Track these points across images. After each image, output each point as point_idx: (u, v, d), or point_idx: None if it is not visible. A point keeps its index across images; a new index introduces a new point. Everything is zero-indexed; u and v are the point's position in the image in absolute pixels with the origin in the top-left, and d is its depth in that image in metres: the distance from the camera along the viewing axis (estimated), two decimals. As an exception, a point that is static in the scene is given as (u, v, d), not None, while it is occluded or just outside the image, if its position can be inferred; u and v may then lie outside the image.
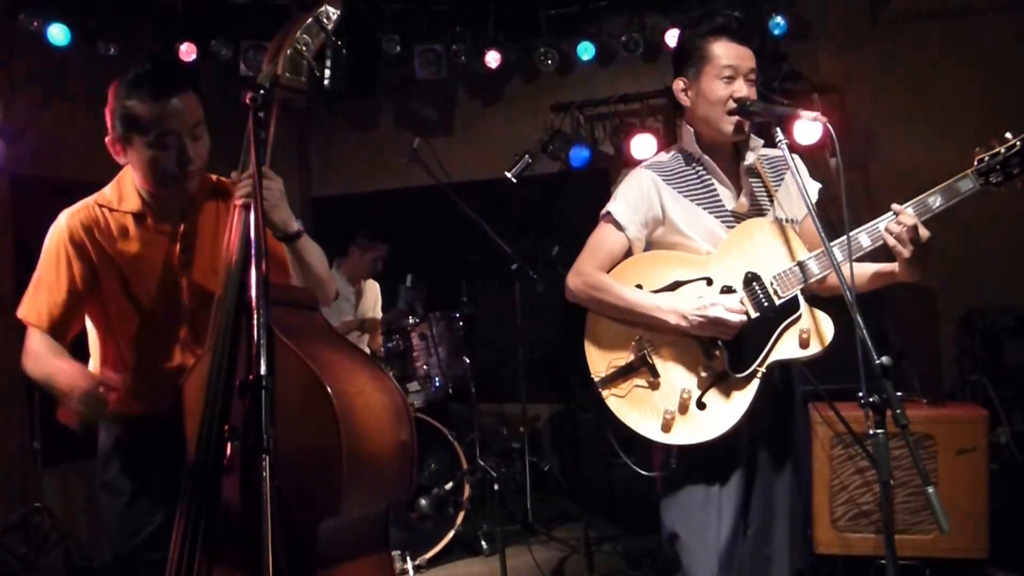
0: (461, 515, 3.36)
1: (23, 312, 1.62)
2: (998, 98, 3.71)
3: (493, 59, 4.20)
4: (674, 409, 1.65)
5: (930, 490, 1.26)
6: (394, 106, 4.81)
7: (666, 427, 1.65)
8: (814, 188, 1.76)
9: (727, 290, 1.66)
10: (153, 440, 1.51)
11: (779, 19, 3.81)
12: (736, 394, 1.63)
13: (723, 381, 1.64)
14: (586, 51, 4.16)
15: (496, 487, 3.37)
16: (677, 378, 1.67)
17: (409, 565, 3.05)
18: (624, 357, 1.71)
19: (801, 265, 1.63)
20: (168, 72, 1.55)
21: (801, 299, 1.63)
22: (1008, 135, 1.58)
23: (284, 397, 1.20)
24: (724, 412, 1.63)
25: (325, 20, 1.42)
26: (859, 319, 1.36)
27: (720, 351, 1.65)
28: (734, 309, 1.61)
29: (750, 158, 1.73)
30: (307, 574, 1.32)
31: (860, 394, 1.31)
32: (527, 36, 4.26)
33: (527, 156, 4.00)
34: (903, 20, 3.91)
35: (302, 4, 1.50)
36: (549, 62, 4.21)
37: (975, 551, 2.72)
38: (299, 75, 1.41)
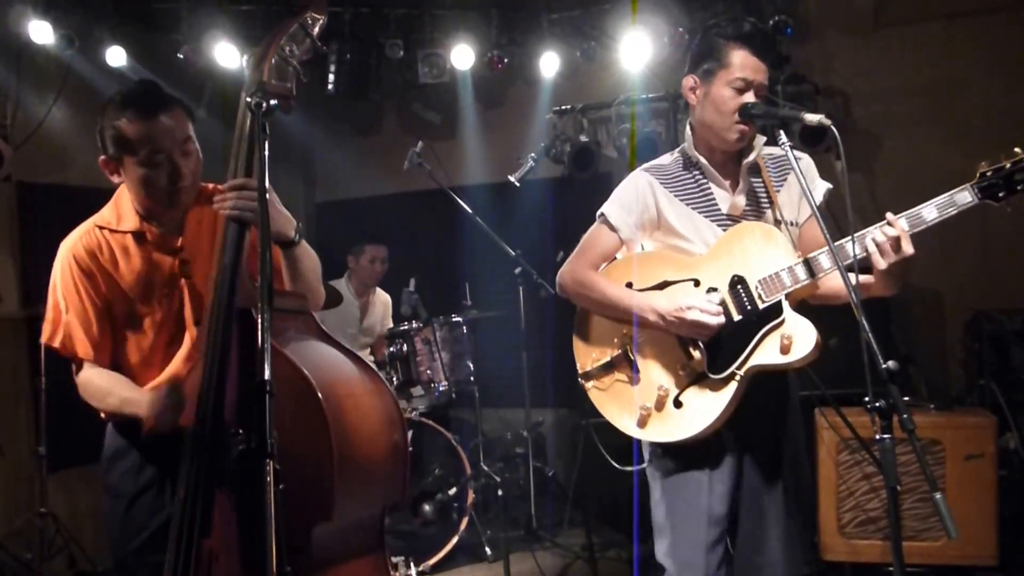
0: (465, 521, 3.35)
1: (61, 343, 1.62)
2: (1003, 99, 3.69)
3: (495, 62, 4.20)
4: (650, 405, 1.67)
5: (937, 496, 1.25)
6: (397, 110, 4.82)
7: (642, 423, 1.68)
8: (823, 188, 1.74)
9: (712, 292, 1.66)
10: (156, 445, 1.53)
11: (782, 21, 3.79)
12: (713, 395, 1.62)
13: (701, 381, 1.64)
14: (588, 54, 4.16)
15: (500, 493, 3.36)
16: (656, 375, 1.69)
17: (413, 571, 3.03)
18: (608, 352, 1.74)
19: (788, 270, 1.60)
20: (154, 91, 1.58)
21: (786, 304, 1.60)
22: (1017, 149, 1.52)
23: (276, 399, 1.20)
24: (700, 412, 1.63)
25: (309, 25, 1.43)
26: (865, 323, 1.34)
27: (699, 351, 1.64)
28: (711, 311, 1.60)
29: (752, 155, 1.72)
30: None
31: (866, 399, 1.30)
32: (529, 39, 4.26)
33: (530, 160, 3.99)
34: (906, 21, 3.90)
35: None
36: (551, 65, 4.20)
37: (983, 558, 2.70)
38: (285, 81, 1.42)
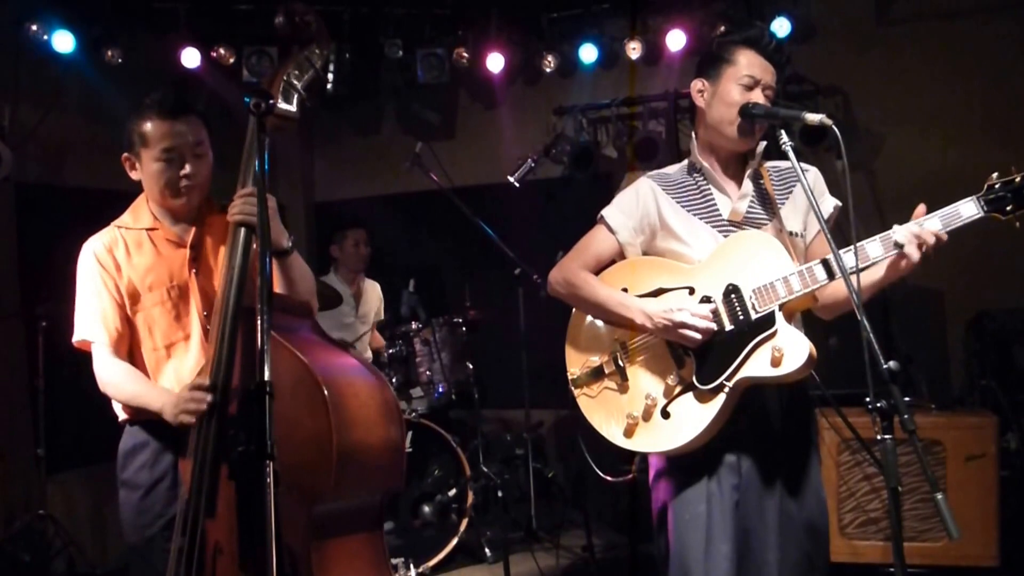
0: (464, 522, 3.34)
1: (81, 335, 1.74)
2: (1003, 99, 3.68)
3: (495, 63, 4.20)
4: (638, 415, 1.65)
5: (939, 497, 1.24)
6: (396, 110, 4.81)
7: (628, 432, 1.66)
8: (831, 203, 1.73)
9: (706, 300, 1.64)
10: (169, 438, 1.65)
11: (783, 21, 3.79)
12: (701, 407, 1.59)
13: (690, 392, 1.61)
14: (588, 54, 4.15)
15: (500, 494, 3.35)
16: (645, 384, 1.67)
17: (412, 572, 3.03)
18: (598, 359, 1.73)
19: (783, 280, 1.56)
20: (177, 95, 1.75)
21: (779, 316, 1.56)
22: None
23: (278, 389, 1.27)
24: (687, 424, 1.60)
25: (315, 58, 1.62)
26: (866, 322, 1.34)
27: (690, 360, 1.62)
28: (700, 315, 1.59)
29: (754, 163, 1.71)
30: (301, 551, 1.39)
31: (867, 399, 1.29)
32: (529, 39, 4.26)
33: (529, 160, 3.99)
34: (907, 21, 3.89)
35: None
36: (551, 65, 4.20)
37: (985, 559, 2.69)
38: (290, 104, 1.60)
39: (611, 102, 4.25)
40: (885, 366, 1.28)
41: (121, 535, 1.76)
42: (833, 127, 1.47)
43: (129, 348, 1.75)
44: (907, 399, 1.28)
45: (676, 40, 3.94)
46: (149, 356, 1.74)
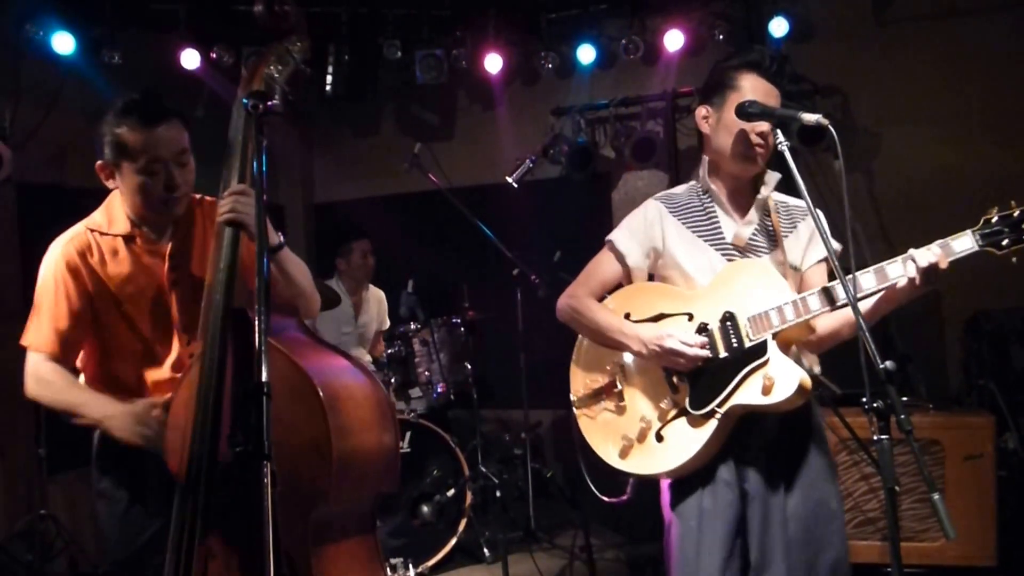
0: (463, 522, 3.34)
1: (27, 339, 1.66)
2: (1001, 99, 3.69)
3: (493, 63, 4.20)
4: (633, 437, 1.68)
5: (936, 497, 1.24)
6: (395, 111, 4.82)
7: (623, 453, 1.69)
8: (832, 245, 1.70)
9: (704, 327, 1.65)
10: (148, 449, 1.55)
11: (781, 20, 3.79)
12: (693, 432, 1.61)
13: (683, 417, 1.63)
14: (586, 54, 4.16)
15: (498, 494, 3.36)
16: (641, 407, 1.70)
17: (411, 572, 3.03)
18: (598, 381, 1.77)
19: (777, 309, 1.57)
20: (155, 102, 1.63)
21: (772, 344, 1.57)
22: None
23: (273, 393, 1.24)
24: (679, 448, 1.62)
25: (295, 50, 1.56)
26: (863, 322, 1.34)
27: (684, 385, 1.64)
28: (690, 342, 1.60)
29: (764, 192, 1.71)
30: (300, 557, 1.38)
31: (864, 399, 1.30)
32: (527, 40, 4.26)
33: (528, 160, 3.99)
34: (906, 21, 3.90)
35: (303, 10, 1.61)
36: (549, 66, 4.20)
37: (983, 559, 2.69)
38: (273, 98, 1.51)
39: (609, 102, 4.25)
40: (882, 366, 1.28)
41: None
42: (830, 127, 1.47)
43: (100, 360, 1.67)
44: (904, 399, 1.28)
45: (674, 40, 3.94)
46: (123, 370, 1.65)
